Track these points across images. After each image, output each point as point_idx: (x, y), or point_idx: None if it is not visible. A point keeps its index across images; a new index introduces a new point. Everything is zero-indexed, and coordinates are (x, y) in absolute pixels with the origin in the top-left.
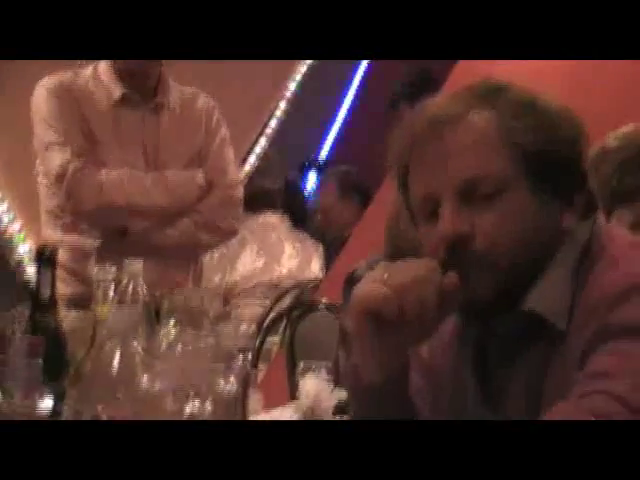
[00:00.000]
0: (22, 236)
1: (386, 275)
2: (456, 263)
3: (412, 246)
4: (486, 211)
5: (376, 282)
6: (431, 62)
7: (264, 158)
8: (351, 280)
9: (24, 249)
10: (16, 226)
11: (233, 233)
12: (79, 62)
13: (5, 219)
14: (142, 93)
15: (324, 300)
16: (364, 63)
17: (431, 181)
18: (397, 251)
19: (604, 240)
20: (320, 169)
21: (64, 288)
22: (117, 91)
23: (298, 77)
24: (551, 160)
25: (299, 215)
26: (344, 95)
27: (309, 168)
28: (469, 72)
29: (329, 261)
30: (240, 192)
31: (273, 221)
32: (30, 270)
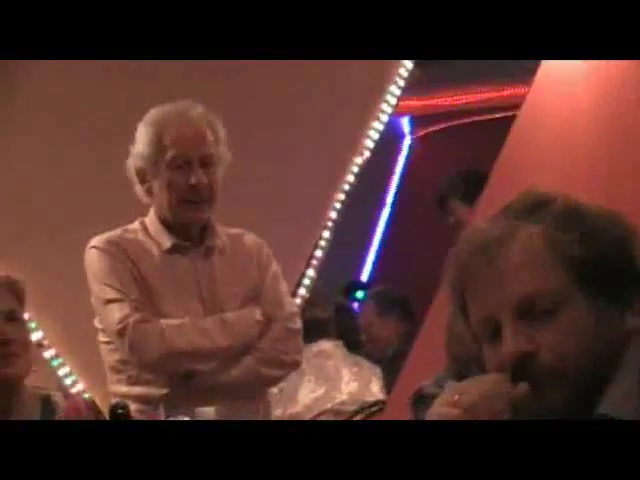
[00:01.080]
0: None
1: (457, 397)
2: (524, 377)
3: (473, 355)
4: (547, 326)
5: (448, 405)
6: (477, 163)
7: (313, 288)
8: (420, 399)
9: None
10: (79, 386)
11: (297, 365)
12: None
13: (68, 382)
14: (191, 240)
15: None
16: (394, 188)
17: (489, 304)
18: (459, 363)
19: None
20: (365, 289)
21: None
22: (167, 242)
23: (337, 205)
24: (603, 267)
25: (353, 339)
26: (379, 215)
27: (355, 290)
28: (513, 168)
29: (387, 381)
30: (299, 323)
31: (328, 349)
32: None
